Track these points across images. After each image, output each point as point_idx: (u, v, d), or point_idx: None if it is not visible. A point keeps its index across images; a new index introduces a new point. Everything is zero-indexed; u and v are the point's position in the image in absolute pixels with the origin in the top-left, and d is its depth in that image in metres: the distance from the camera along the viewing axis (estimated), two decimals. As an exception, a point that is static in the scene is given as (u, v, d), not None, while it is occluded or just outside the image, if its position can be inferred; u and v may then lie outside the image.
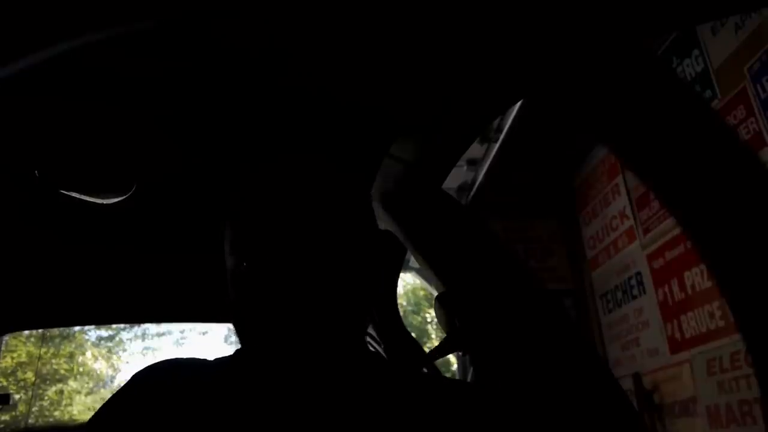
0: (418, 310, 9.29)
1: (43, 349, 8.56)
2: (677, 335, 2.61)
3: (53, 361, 8.80)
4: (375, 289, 0.71)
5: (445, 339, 0.78)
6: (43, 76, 0.62)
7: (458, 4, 0.54)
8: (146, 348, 9.99)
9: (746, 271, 0.42)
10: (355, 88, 0.72)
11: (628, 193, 3.03)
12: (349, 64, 0.67)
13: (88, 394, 8.87)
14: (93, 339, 9.34)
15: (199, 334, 10.07)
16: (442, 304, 0.78)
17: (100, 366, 9.35)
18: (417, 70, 0.68)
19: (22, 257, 1.12)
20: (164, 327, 9.78)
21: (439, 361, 1.07)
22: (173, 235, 1.10)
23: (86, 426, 0.58)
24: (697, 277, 2.47)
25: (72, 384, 9.01)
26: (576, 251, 3.65)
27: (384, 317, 1.30)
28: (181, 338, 10.23)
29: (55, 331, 8.26)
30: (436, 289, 0.83)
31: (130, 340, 9.71)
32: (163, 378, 0.60)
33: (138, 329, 9.40)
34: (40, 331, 7.56)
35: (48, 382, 8.78)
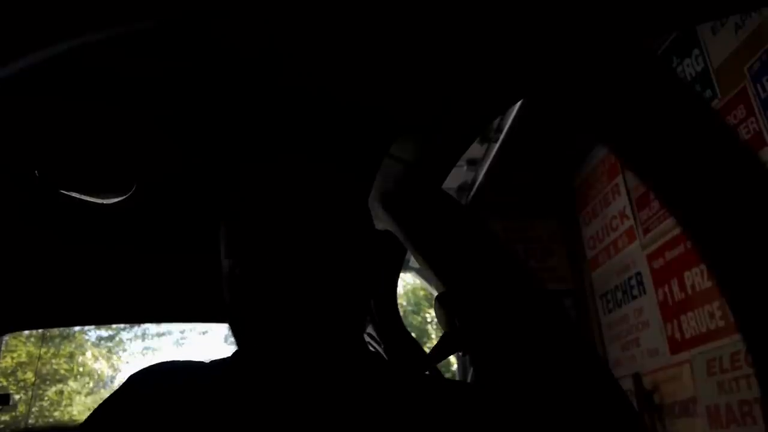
0: (418, 310, 9.29)
1: (43, 349, 8.56)
2: (677, 335, 2.61)
3: (53, 361, 8.80)
4: (371, 290, 0.71)
5: (445, 339, 0.78)
6: (43, 76, 0.62)
7: (458, 4, 0.54)
8: (146, 348, 10.00)
9: (746, 271, 0.42)
10: (355, 88, 0.72)
11: (628, 193, 3.03)
12: (349, 64, 0.67)
13: (88, 394, 8.86)
14: (93, 339, 9.35)
15: (199, 334, 10.08)
16: (442, 304, 0.78)
17: (100, 366, 9.35)
18: (417, 70, 0.68)
19: (22, 257, 1.12)
20: (164, 327, 9.79)
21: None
22: (173, 235, 1.10)
23: (81, 427, 0.57)
24: (697, 277, 2.47)
25: (72, 384, 9.01)
26: (576, 251, 3.65)
27: (384, 317, 1.30)
28: (181, 338, 10.24)
29: (55, 331, 8.26)
30: (436, 289, 0.83)
31: (130, 340, 9.72)
32: (159, 380, 0.60)
33: (138, 329, 9.40)
34: (40, 331, 7.56)
35: (48, 382, 8.78)
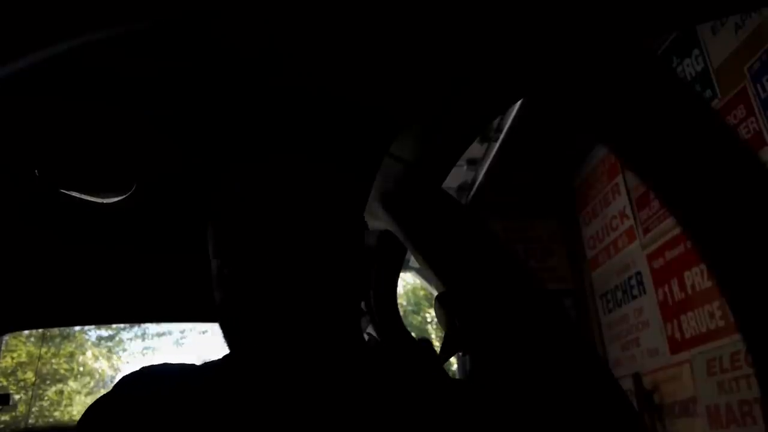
0: (418, 310, 9.29)
1: (43, 349, 8.56)
2: (677, 335, 2.61)
3: (53, 361, 8.80)
4: (363, 289, 0.70)
5: (445, 340, 0.78)
6: (43, 76, 0.62)
7: (459, 3, 0.54)
8: (146, 348, 10.01)
9: (746, 271, 0.42)
10: (355, 88, 0.72)
11: (628, 193, 3.03)
12: (349, 64, 0.67)
13: (88, 394, 8.87)
14: (93, 339, 9.36)
15: (199, 333, 10.09)
16: (442, 304, 0.78)
17: (101, 366, 9.36)
18: (417, 70, 0.68)
19: (22, 257, 1.12)
20: (164, 327, 9.80)
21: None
22: (173, 235, 1.10)
23: (76, 428, 0.57)
24: (697, 277, 2.47)
25: (72, 384, 9.02)
26: (576, 251, 3.65)
27: (384, 317, 1.30)
28: (181, 338, 10.24)
29: (55, 331, 8.26)
30: (436, 289, 0.83)
31: (130, 340, 9.73)
32: (150, 383, 0.59)
33: (138, 329, 9.41)
34: (40, 331, 7.56)
35: (48, 382, 8.79)
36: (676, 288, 2.63)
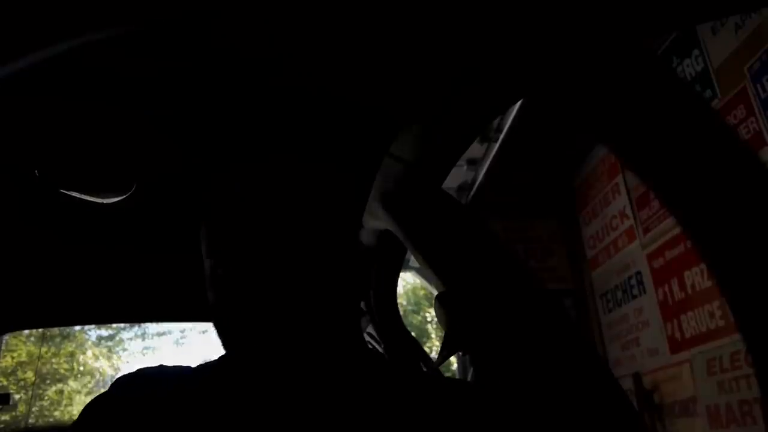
0: (418, 310, 9.29)
1: (44, 349, 8.56)
2: (677, 335, 2.61)
3: (53, 360, 8.80)
4: (361, 289, 0.70)
5: (445, 340, 0.78)
6: (43, 76, 0.62)
7: (459, 3, 0.54)
8: (146, 348, 10.02)
9: (746, 271, 0.42)
10: (355, 88, 0.72)
11: (628, 193, 3.03)
12: (349, 64, 0.67)
13: (88, 393, 8.86)
14: (93, 338, 9.36)
15: (199, 333, 10.09)
16: (442, 304, 0.78)
17: (101, 365, 9.36)
18: (417, 70, 0.68)
19: (22, 257, 1.12)
20: (164, 327, 9.81)
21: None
22: (173, 235, 1.10)
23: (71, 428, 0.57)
24: (697, 277, 2.47)
25: (72, 384, 9.02)
26: (576, 251, 3.65)
27: (384, 317, 1.30)
28: (181, 338, 10.25)
29: (55, 330, 8.26)
30: (436, 289, 0.83)
31: (130, 339, 9.74)
32: (145, 385, 0.59)
33: (138, 329, 9.42)
34: (40, 330, 7.56)
35: (48, 381, 8.79)
36: (676, 288, 2.63)
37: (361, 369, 0.61)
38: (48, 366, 8.75)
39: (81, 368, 9.07)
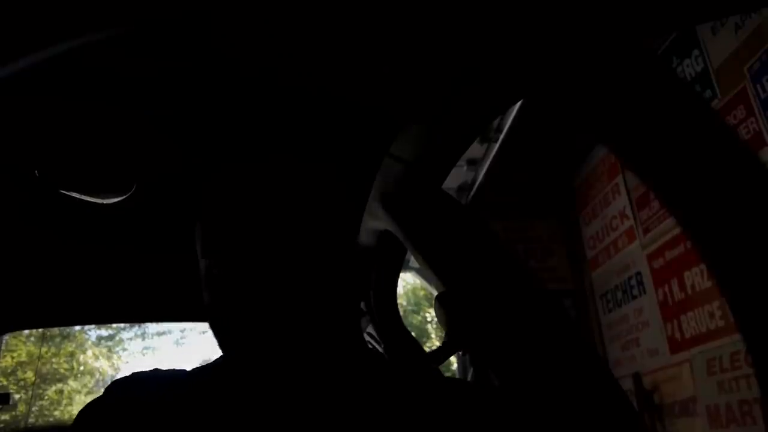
0: (418, 310, 9.29)
1: (44, 349, 8.56)
2: (677, 335, 2.61)
3: (53, 360, 8.80)
4: (359, 289, 0.70)
5: (445, 340, 0.78)
6: (43, 76, 0.62)
7: (459, 3, 0.54)
8: (146, 348, 10.02)
9: (746, 271, 0.42)
10: (355, 88, 0.72)
11: (628, 193, 3.03)
12: (349, 64, 0.67)
13: (88, 393, 8.87)
14: (93, 338, 9.36)
15: (199, 334, 10.09)
16: (442, 304, 0.78)
17: (101, 365, 9.36)
18: (417, 70, 0.68)
19: (22, 257, 1.12)
20: (164, 327, 9.80)
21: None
22: (173, 235, 1.10)
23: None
24: (697, 277, 2.47)
25: (72, 383, 9.02)
26: (576, 251, 3.65)
27: (384, 317, 1.30)
28: (181, 338, 10.25)
29: (55, 330, 8.26)
30: (436, 289, 0.83)
31: (130, 339, 9.74)
32: (140, 388, 0.59)
33: (138, 329, 9.42)
34: (40, 330, 7.56)
35: (48, 381, 8.79)
36: (676, 288, 2.63)
37: (361, 369, 0.61)
38: (48, 366, 8.75)
39: (81, 368, 9.07)
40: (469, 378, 0.84)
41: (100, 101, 0.69)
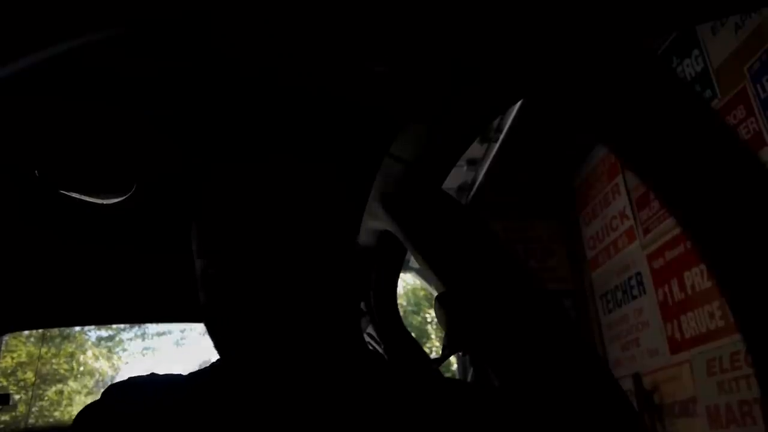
0: (418, 310, 9.29)
1: (44, 349, 8.56)
2: (677, 335, 2.61)
3: (53, 361, 8.80)
4: (358, 290, 0.70)
5: (445, 340, 0.78)
6: (43, 76, 0.62)
7: (459, 3, 0.54)
8: (146, 348, 10.02)
9: (746, 271, 0.42)
10: (355, 88, 0.72)
11: (628, 193, 3.03)
12: (349, 64, 0.67)
13: (88, 394, 8.86)
14: (93, 339, 9.36)
15: (199, 334, 10.08)
16: (442, 304, 0.78)
17: (101, 366, 9.36)
18: (417, 70, 0.68)
19: (22, 257, 1.12)
20: (164, 327, 9.80)
21: (439, 361, 1.07)
22: (173, 235, 1.10)
23: None
24: (697, 277, 2.47)
25: (72, 384, 9.02)
26: (576, 251, 3.65)
27: (384, 317, 1.30)
28: (181, 338, 10.25)
29: (55, 331, 8.26)
30: (436, 289, 0.83)
31: (130, 340, 9.73)
32: (136, 393, 0.59)
33: (138, 329, 9.41)
34: (40, 331, 7.55)
35: (48, 382, 8.79)
36: (676, 288, 2.63)
37: (361, 370, 0.61)
38: (48, 366, 8.75)
39: (81, 369, 9.07)
40: (469, 378, 0.84)
41: (100, 101, 0.69)
